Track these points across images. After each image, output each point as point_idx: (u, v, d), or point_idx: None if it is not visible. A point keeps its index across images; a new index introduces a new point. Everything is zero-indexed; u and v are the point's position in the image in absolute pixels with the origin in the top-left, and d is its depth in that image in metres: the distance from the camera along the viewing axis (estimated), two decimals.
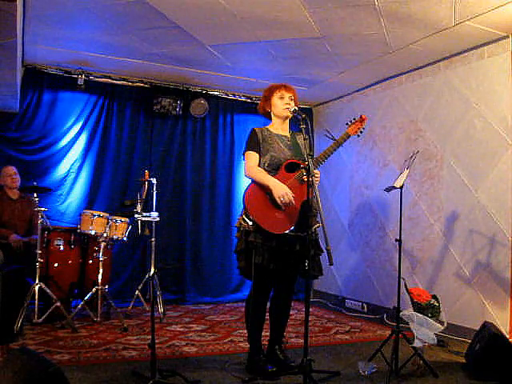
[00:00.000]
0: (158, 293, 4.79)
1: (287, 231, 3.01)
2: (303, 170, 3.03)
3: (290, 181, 3.06)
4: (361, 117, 3.22)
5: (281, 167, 3.12)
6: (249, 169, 3.17)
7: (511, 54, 4.08)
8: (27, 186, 4.60)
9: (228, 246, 6.07)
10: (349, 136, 3.18)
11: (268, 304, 3.33)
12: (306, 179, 2.98)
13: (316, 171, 3.06)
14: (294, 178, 3.07)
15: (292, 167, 3.12)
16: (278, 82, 3.41)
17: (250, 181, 3.20)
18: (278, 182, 3.03)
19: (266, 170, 3.13)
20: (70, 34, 4.43)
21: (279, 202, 2.99)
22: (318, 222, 3.16)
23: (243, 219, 3.12)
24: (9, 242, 4.61)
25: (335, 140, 3.15)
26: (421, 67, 4.97)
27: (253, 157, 3.19)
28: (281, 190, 2.99)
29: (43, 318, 4.21)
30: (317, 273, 3.17)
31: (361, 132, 3.24)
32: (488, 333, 3.28)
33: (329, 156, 3.12)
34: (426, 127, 4.92)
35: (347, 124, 3.24)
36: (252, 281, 3.10)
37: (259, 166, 3.17)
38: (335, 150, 3.13)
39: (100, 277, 4.45)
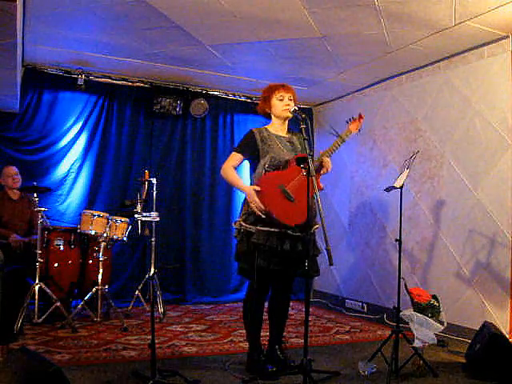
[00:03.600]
0: (158, 293, 4.79)
1: (298, 224, 3.00)
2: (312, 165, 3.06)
3: (299, 175, 3.05)
4: (359, 115, 3.34)
5: (290, 162, 3.12)
6: (225, 169, 3.24)
7: (511, 54, 4.08)
8: (27, 186, 4.60)
9: (228, 246, 6.07)
10: (351, 132, 3.28)
11: (266, 304, 3.33)
12: (315, 171, 3.03)
13: (327, 159, 3.15)
14: (303, 173, 3.05)
15: (302, 161, 3.12)
16: (277, 82, 3.40)
17: (253, 178, 3.22)
18: (249, 188, 3.05)
19: (266, 171, 3.13)
20: (70, 34, 4.43)
21: (254, 209, 3.02)
22: (317, 223, 3.18)
23: (243, 220, 3.12)
24: (9, 242, 4.61)
25: (340, 136, 3.22)
26: (421, 67, 4.97)
27: (235, 158, 3.25)
28: (250, 198, 3.03)
29: (43, 318, 4.21)
30: (314, 273, 3.18)
31: (360, 130, 3.35)
32: (488, 333, 3.28)
33: (335, 151, 3.19)
34: (426, 127, 4.92)
35: (347, 122, 3.31)
36: (253, 281, 3.10)
37: (258, 167, 3.17)
38: (340, 145, 3.21)
39: (100, 277, 4.44)
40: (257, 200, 2.99)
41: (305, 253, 2.86)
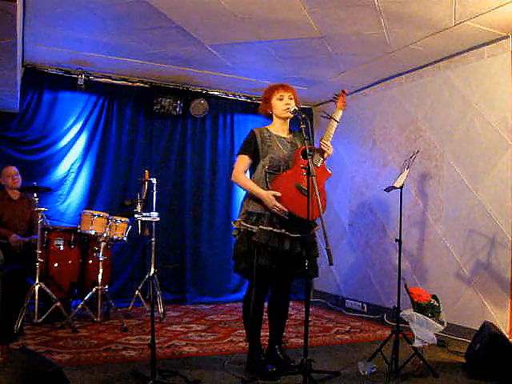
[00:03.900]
0: (158, 293, 4.79)
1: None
2: (316, 155, 3.14)
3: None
4: (342, 91, 3.37)
5: (295, 159, 3.12)
6: (237, 175, 3.22)
7: (511, 54, 4.08)
8: (27, 186, 4.60)
9: (228, 245, 6.07)
10: (340, 110, 3.30)
11: (266, 304, 3.33)
12: (319, 163, 3.13)
13: (327, 143, 3.16)
14: (303, 174, 3.05)
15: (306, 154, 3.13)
16: (277, 83, 3.40)
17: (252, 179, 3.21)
18: (268, 194, 3.03)
19: (266, 172, 3.12)
20: (70, 34, 4.43)
21: (274, 212, 3.02)
22: (317, 225, 3.18)
23: (244, 220, 3.11)
24: (9, 242, 4.61)
25: (333, 119, 3.23)
26: (421, 67, 4.97)
27: (243, 161, 3.22)
28: (270, 203, 3.01)
29: (43, 318, 4.21)
30: (313, 273, 3.18)
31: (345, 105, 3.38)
32: (488, 333, 3.28)
33: (332, 134, 3.21)
34: (426, 127, 4.92)
35: (332, 101, 3.36)
36: (253, 281, 3.09)
37: (258, 168, 3.17)
38: (334, 127, 3.23)
39: (100, 277, 4.44)
40: (277, 204, 3.00)
41: (304, 253, 2.86)
